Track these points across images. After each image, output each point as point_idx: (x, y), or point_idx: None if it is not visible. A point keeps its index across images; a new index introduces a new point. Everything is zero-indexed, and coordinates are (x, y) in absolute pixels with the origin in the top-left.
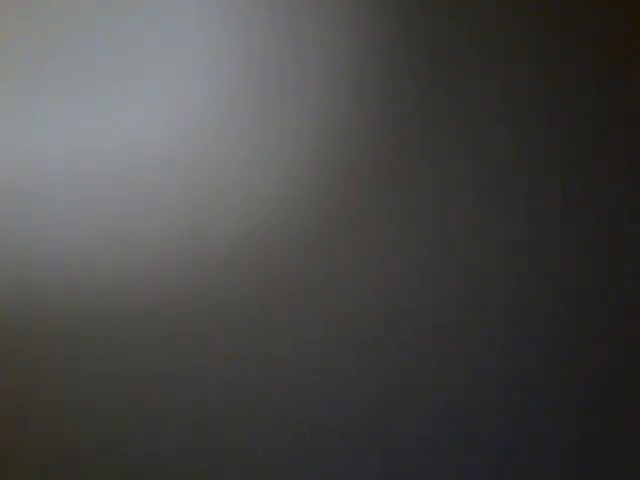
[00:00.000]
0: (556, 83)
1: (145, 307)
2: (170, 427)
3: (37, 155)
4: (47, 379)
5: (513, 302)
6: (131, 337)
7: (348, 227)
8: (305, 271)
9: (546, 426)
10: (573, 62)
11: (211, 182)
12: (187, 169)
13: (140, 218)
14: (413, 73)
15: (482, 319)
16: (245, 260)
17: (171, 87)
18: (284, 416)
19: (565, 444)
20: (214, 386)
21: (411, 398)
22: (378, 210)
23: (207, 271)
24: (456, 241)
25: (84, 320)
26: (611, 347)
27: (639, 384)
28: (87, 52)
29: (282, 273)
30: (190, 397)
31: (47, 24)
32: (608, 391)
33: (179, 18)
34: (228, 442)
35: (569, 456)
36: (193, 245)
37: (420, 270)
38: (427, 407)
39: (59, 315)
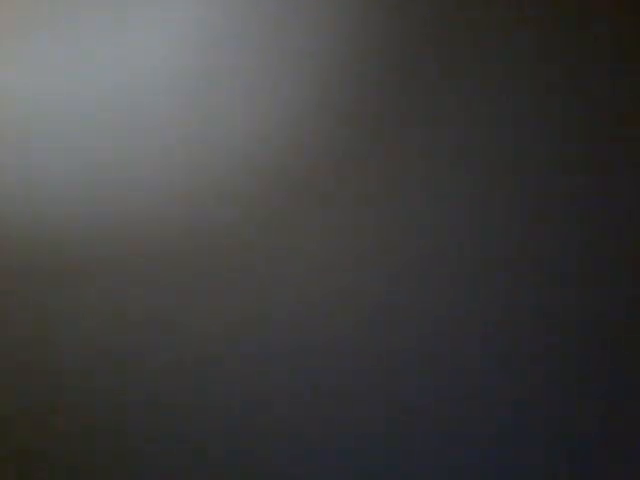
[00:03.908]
0: (555, 83)
1: (145, 241)
2: (171, 362)
3: (37, 87)
4: (47, 315)
5: (505, 294)
6: (131, 271)
7: (349, 169)
8: (307, 207)
9: (546, 425)
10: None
11: (212, 115)
12: (188, 101)
13: (140, 149)
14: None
15: (472, 306)
16: (246, 196)
17: (169, 17)
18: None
19: (564, 444)
20: (214, 322)
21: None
22: (379, 156)
23: (207, 206)
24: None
25: (84, 254)
26: (611, 346)
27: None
28: None
29: (284, 210)
30: (190, 332)
31: None
32: (608, 391)
33: None
34: (228, 377)
35: (568, 456)
36: (193, 179)
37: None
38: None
39: (59, 248)
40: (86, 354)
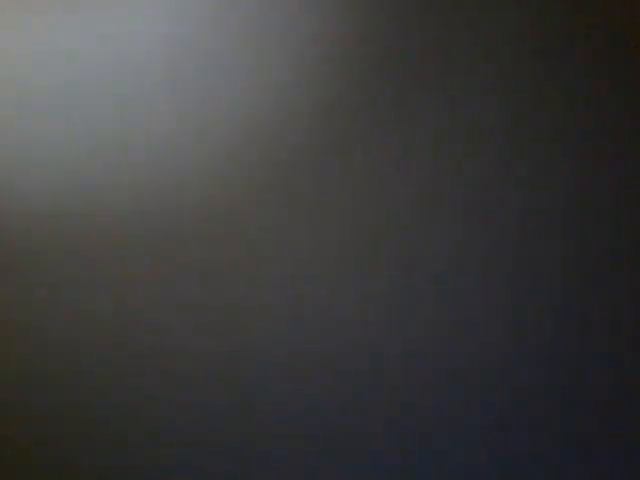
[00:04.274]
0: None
1: (143, 210)
2: (169, 325)
3: (32, 53)
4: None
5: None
6: (130, 240)
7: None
8: (309, 170)
9: (545, 424)
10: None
11: (211, 79)
12: (185, 65)
13: (138, 114)
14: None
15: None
16: (245, 161)
17: None
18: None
19: (564, 444)
20: (213, 290)
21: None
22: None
23: (206, 172)
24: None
25: (81, 226)
26: (612, 347)
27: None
28: None
29: (285, 174)
30: (189, 304)
31: None
32: (608, 392)
33: None
34: (226, 340)
35: (569, 456)
36: (192, 144)
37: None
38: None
39: (56, 215)
40: (85, 326)
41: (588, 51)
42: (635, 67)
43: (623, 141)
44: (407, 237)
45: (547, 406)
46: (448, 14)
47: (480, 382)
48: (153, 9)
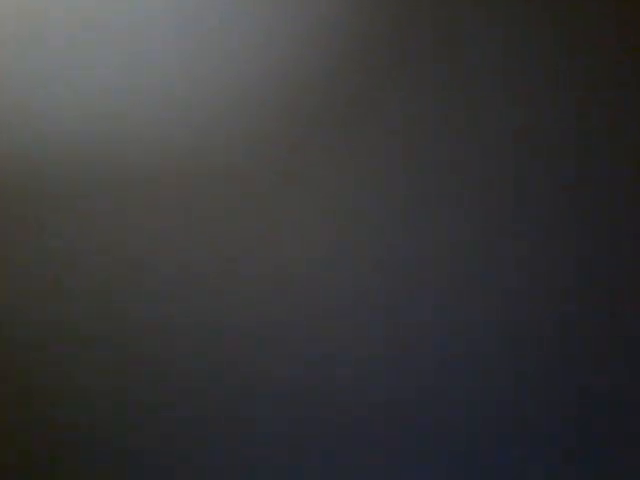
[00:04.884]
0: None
1: (145, 163)
2: (170, 290)
3: (36, 15)
4: (47, 236)
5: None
6: (130, 194)
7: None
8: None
9: (545, 423)
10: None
11: (214, 35)
12: (189, 25)
13: (140, 70)
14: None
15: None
16: (246, 118)
17: None
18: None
19: (565, 445)
20: (214, 247)
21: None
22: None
23: (207, 128)
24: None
25: (84, 176)
26: (612, 346)
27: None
28: None
29: (285, 171)
30: (189, 260)
31: None
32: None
33: None
34: (227, 301)
35: (569, 456)
36: (193, 100)
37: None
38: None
39: (58, 170)
40: (85, 275)
41: (589, 51)
42: (636, 66)
43: (623, 141)
44: (407, 235)
45: (547, 405)
46: (454, 13)
47: (479, 383)
48: None
